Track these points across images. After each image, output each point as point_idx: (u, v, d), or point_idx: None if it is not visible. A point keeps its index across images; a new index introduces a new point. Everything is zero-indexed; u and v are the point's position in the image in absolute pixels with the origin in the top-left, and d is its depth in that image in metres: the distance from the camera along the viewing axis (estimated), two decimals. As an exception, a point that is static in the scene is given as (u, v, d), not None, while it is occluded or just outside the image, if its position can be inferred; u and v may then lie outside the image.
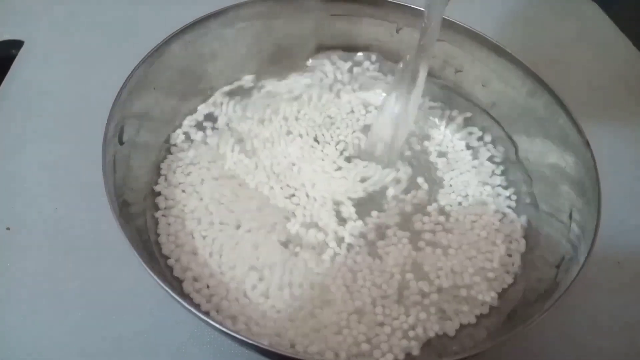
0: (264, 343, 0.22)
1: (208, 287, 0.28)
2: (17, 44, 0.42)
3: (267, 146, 0.35)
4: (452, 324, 0.28)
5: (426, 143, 0.37)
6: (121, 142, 0.29)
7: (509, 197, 0.34)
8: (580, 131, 0.30)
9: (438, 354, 0.27)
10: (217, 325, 0.21)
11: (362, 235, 0.32)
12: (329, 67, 0.40)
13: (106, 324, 0.28)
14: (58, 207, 0.33)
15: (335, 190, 0.33)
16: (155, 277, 0.22)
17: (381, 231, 0.32)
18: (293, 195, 0.33)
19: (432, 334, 0.28)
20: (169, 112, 0.35)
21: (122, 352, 0.28)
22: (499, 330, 0.27)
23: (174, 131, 0.35)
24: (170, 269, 0.29)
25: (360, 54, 0.40)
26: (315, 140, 0.36)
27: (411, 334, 0.28)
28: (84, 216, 0.32)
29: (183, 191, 0.32)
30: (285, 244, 0.31)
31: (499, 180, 0.35)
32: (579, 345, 0.30)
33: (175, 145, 0.34)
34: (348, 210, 0.33)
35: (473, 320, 0.29)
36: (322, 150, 0.36)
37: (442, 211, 0.33)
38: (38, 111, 0.38)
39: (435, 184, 0.35)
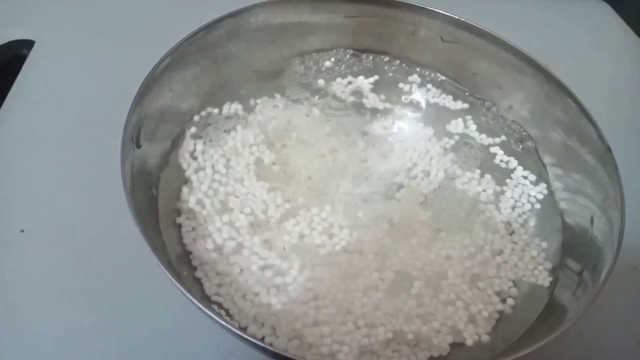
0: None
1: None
2: (28, 44, 0.42)
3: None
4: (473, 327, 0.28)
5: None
6: (139, 145, 0.29)
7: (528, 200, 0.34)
8: (601, 136, 0.29)
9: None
10: (255, 342, 0.22)
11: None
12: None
13: (121, 328, 0.28)
14: (72, 209, 0.32)
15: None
16: (184, 292, 0.22)
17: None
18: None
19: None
20: (186, 112, 0.34)
21: (138, 357, 0.27)
22: (523, 340, 0.27)
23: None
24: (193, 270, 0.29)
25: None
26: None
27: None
28: (99, 218, 0.32)
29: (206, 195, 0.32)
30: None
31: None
32: (597, 353, 0.29)
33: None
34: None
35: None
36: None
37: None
38: (50, 112, 0.38)
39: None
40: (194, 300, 0.22)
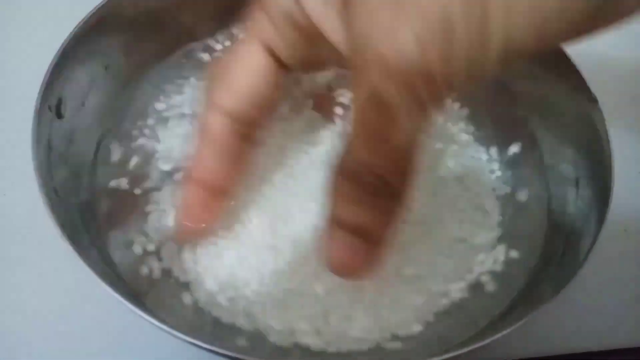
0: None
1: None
2: None
3: None
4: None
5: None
6: (60, 116, 0.25)
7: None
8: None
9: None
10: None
11: None
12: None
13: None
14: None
15: None
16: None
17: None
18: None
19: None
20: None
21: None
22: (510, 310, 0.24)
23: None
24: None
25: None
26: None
27: None
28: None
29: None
30: None
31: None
32: (587, 318, 0.28)
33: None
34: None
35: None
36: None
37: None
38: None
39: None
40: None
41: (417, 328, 0.24)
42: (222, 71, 0.21)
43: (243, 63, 0.20)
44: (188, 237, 0.23)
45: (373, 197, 0.16)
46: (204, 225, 0.22)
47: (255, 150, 0.23)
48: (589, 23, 0.13)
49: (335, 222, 0.17)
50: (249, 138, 0.21)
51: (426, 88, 0.14)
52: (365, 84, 0.15)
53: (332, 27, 0.18)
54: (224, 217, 0.24)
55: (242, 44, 0.20)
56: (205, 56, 0.31)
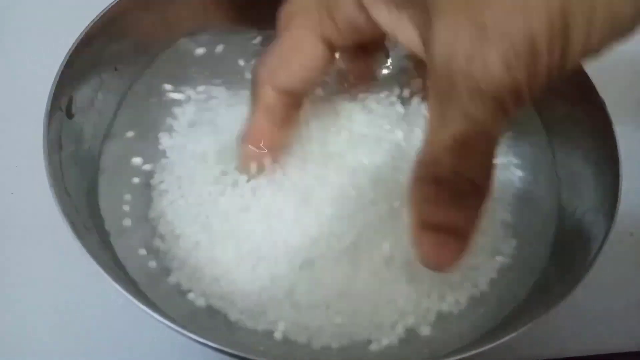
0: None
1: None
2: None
3: None
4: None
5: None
6: (70, 116, 0.25)
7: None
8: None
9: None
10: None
11: None
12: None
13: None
14: None
15: None
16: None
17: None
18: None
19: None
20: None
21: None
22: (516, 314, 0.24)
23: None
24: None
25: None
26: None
27: None
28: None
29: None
30: None
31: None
32: (592, 321, 0.28)
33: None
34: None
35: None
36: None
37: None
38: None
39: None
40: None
41: (425, 331, 0.24)
42: (280, 57, 0.23)
43: (301, 51, 0.23)
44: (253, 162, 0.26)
45: (462, 198, 0.18)
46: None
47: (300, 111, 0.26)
48: None
49: (426, 224, 0.19)
50: (297, 105, 0.25)
51: (513, 100, 0.16)
52: (455, 102, 0.16)
53: (406, 37, 0.20)
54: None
55: (302, 36, 0.23)
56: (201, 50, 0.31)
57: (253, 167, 0.25)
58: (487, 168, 0.18)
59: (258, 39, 0.32)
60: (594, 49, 0.15)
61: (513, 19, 0.15)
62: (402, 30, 0.20)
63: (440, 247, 0.19)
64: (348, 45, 0.24)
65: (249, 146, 0.25)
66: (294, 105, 0.25)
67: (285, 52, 0.23)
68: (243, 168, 0.26)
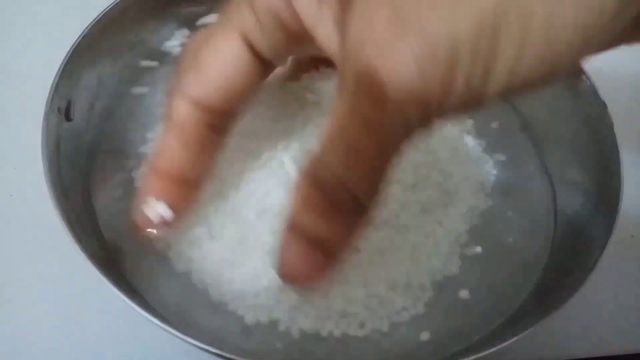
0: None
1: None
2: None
3: None
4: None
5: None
6: (69, 119, 0.25)
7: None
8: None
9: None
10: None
11: None
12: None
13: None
14: None
15: None
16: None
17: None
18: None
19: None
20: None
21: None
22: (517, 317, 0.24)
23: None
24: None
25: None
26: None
27: None
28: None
29: None
30: None
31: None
32: (592, 323, 0.28)
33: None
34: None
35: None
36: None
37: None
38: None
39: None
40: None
41: (424, 337, 0.24)
42: (194, 57, 0.19)
43: (218, 51, 0.19)
44: (152, 231, 0.21)
45: (339, 211, 0.16)
46: (170, 217, 0.21)
47: (225, 140, 0.21)
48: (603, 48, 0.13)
49: (294, 227, 0.17)
50: (219, 128, 0.20)
51: (418, 113, 0.14)
52: (353, 100, 0.14)
53: (324, 32, 0.17)
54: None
55: (219, 31, 0.19)
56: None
57: (153, 207, 0.20)
58: (373, 185, 0.15)
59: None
60: (520, 77, 0.13)
61: (437, 13, 0.12)
62: (322, 24, 0.17)
63: (302, 258, 0.17)
64: (277, 58, 0.20)
65: (153, 176, 0.20)
66: (215, 127, 0.20)
67: (200, 52, 0.19)
68: (141, 209, 0.21)
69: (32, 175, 0.23)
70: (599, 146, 0.26)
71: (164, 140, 0.20)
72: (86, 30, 0.26)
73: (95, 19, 0.26)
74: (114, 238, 0.25)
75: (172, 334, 0.19)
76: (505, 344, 0.20)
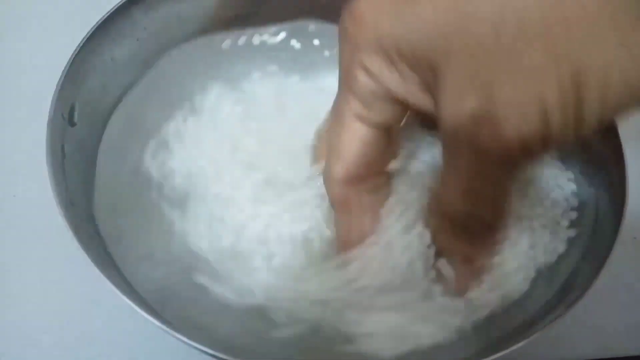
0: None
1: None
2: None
3: None
4: None
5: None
6: (72, 124, 0.25)
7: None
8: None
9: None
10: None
11: None
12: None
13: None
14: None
15: None
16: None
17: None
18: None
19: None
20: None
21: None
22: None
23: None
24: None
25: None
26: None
27: None
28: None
29: None
30: None
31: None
32: (595, 325, 0.28)
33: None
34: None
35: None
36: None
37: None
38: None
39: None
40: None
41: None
42: (333, 150, 0.22)
43: (348, 139, 0.21)
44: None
45: (472, 234, 0.20)
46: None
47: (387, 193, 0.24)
48: None
49: (442, 253, 0.22)
50: (374, 189, 0.23)
51: (524, 158, 0.16)
52: (464, 158, 0.17)
53: (416, 103, 0.19)
54: None
55: (339, 123, 0.22)
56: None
57: None
58: (498, 209, 0.19)
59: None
60: (611, 113, 0.15)
61: (523, 91, 0.15)
62: (411, 92, 0.19)
63: (460, 275, 0.21)
64: (396, 122, 0.22)
65: (345, 251, 0.23)
66: (370, 190, 0.23)
67: (335, 144, 0.22)
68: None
69: (36, 176, 0.22)
70: (604, 149, 0.26)
71: (344, 223, 0.23)
72: (88, 36, 0.26)
73: (97, 22, 0.26)
74: (118, 241, 0.25)
75: (183, 341, 0.19)
76: (507, 350, 0.20)
